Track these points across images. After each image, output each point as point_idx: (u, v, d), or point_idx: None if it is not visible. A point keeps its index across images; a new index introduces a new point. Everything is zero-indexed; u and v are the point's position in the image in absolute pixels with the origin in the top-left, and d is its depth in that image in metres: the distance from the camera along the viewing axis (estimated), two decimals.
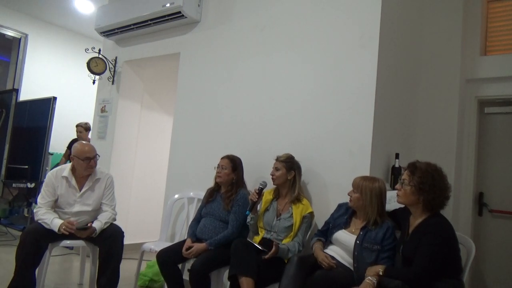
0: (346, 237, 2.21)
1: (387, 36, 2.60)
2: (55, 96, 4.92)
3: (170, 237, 3.34)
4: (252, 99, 3.10)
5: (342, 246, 2.22)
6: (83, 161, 2.70)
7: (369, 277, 1.89)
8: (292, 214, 2.45)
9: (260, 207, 2.61)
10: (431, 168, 1.97)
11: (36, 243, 2.45)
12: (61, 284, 3.20)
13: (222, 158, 2.79)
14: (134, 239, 3.95)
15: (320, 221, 2.54)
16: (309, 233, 2.50)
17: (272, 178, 2.55)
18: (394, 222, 2.19)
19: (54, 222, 2.54)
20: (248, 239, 2.57)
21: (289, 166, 2.52)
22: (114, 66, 4.26)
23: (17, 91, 4.87)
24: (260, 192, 2.51)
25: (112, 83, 4.27)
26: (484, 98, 3.12)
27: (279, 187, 2.58)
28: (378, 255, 2.09)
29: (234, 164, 2.75)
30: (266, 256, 2.27)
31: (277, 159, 2.57)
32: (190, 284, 2.36)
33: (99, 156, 2.83)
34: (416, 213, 2.03)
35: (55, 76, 6.17)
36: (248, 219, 2.55)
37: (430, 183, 1.93)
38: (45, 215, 2.58)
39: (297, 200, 2.49)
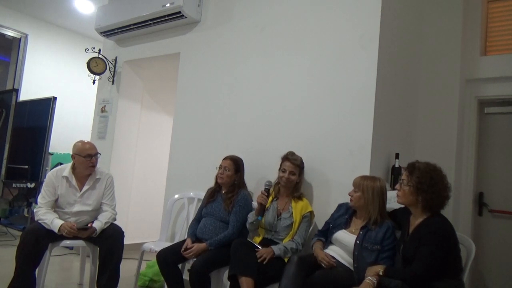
0: (346, 237, 2.21)
1: (387, 36, 2.60)
2: (55, 96, 4.92)
3: (170, 237, 3.34)
4: (252, 99, 3.10)
5: (342, 246, 2.22)
6: (85, 158, 2.70)
7: (369, 277, 1.89)
8: (292, 213, 2.45)
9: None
10: (429, 168, 1.97)
11: (36, 243, 2.45)
12: (61, 284, 3.20)
13: (224, 159, 2.78)
14: (134, 239, 3.95)
15: (319, 220, 2.54)
16: (309, 232, 2.50)
17: (285, 179, 2.50)
18: (394, 222, 2.19)
19: (54, 222, 2.54)
20: (248, 239, 2.57)
21: (301, 170, 2.53)
22: (114, 66, 4.26)
23: (17, 91, 4.86)
24: (268, 193, 2.49)
25: (112, 83, 4.27)
26: (484, 98, 3.12)
27: (283, 187, 2.56)
28: (378, 255, 2.09)
29: (237, 166, 2.75)
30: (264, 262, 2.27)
31: (292, 161, 2.49)
32: (190, 284, 2.36)
33: (99, 154, 2.84)
34: (416, 213, 2.03)
35: (55, 76, 6.16)
36: (251, 220, 2.52)
37: (428, 183, 1.93)
38: (45, 215, 2.58)
39: (298, 198, 2.50)
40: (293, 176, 2.50)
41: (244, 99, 3.15)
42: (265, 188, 2.49)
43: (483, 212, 3.08)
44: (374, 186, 2.17)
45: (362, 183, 2.20)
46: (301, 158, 2.55)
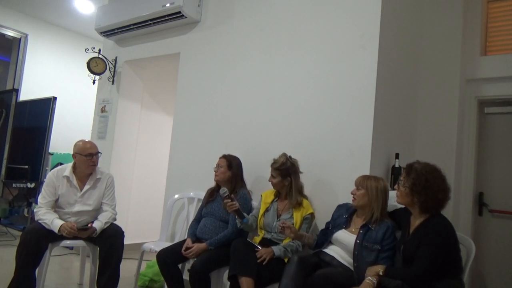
0: (346, 236, 2.21)
1: (387, 36, 2.60)
2: (55, 96, 4.92)
3: (170, 237, 3.34)
4: (252, 99, 3.10)
5: (342, 246, 2.22)
6: (86, 157, 2.70)
7: (369, 277, 1.89)
8: (292, 215, 2.45)
9: (256, 208, 2.62)
10: (426, 170, 1.97)
11: (36, 243, 2.45)
12: (61, 284, 3.20)
13: (219, 158, 2.81)
14: (134, 239, 3.95)
15: (318, 221, 2.54)
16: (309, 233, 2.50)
17: (271, 184, 2.54)
18: (394, 222, 2.19)
19: (54, 222, 2.54)
20: (248, 239, 2.57)
21: (284, 173, 2.48)
22: (114, 66, 4.26)
23: (17, 91, 4.86)
24: (231, 198, 2.43)
25: (112, 83, 4.27)
26: (484, 98, 3.12)
27: (279, 190, 2.57)
28: (378, 255, 2.09)
29: (229, 162, 2.75)
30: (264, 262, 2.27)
31: (272, 166, 2.52)
32: (190, 284, 2.36)
33: (100, 153, 2.84)
34: (415, 213, 2.02)
35: (55, 76, 6.16)
36: (238, 226, 2.52)
37: (423, 184, 1.93)
38: (45, 215, 2.58)
39: (298, 204, 2.47)
40: (273, 179, 2.50)
41: (244, 99, 3.15)
42: (225, 198, 2.41)
43: (483, 212, 3.08)
44: (378, 185, 2.18)
45: (365, 181, 2.20)
46: (280, 161, 2.48)
